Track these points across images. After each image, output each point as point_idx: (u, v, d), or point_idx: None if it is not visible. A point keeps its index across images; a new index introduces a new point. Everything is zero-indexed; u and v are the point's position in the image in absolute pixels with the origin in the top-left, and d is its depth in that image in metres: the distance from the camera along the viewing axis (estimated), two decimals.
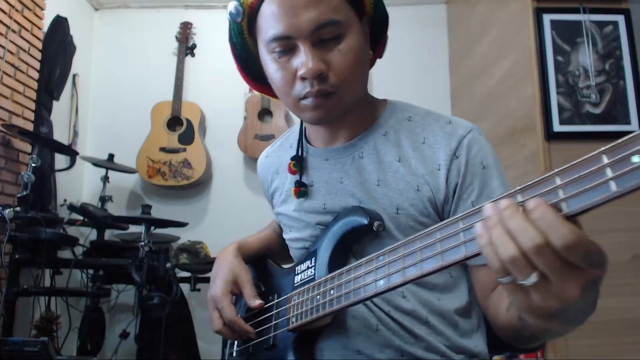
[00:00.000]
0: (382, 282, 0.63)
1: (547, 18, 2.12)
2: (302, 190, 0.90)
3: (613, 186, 0.42)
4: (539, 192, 0.47)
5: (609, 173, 0.42)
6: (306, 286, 0.79)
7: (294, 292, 0.82)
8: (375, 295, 0.64)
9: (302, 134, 0.95)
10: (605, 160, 0.43)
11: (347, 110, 0.83)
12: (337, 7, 0.76)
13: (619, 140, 0.42)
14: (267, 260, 1.00)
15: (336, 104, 0.79)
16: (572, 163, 0.45)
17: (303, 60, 0.76)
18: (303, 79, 0.77)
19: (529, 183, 0.48)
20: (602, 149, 0.43)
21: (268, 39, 0.78)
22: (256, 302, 0.87)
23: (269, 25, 0.77)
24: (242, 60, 0.90)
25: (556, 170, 0.46)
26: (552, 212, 0.44)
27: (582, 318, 0.56)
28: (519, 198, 0.48)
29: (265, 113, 3.16)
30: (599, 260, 0.45)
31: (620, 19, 2.12)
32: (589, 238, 0.44)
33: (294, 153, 0.94)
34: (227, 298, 0.88)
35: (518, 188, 0.49)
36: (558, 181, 0.46)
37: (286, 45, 0.77)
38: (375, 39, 0.88)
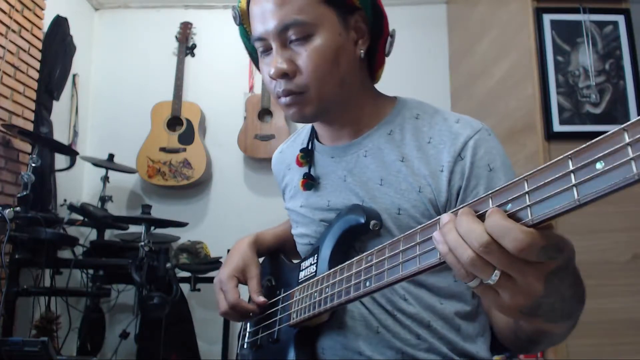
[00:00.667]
0: (369, 282, 0.64)
1: (547, 18, 2.12)
2: (309, 182, 0.91)
3: (575, 194, 0.40)
4: (509, 197, 0.46)
5: (573, 179, 0.40)
6: (307, 282, 0.80)
7: (296, 287, 0.84)
8: (365, 295, 0.65)
9: (312, 129, 0.97)
10: (571, 165, 0.41)
11: (324, 110, 0.83)
12: (304, 7, 0.77)
13: (585, 145, 0.40)
14: (279, 256, 1.02)
15: (307, 103, 0.81)
16: (541, 167, 0.44)
17: (272, 60, 0.80)
18: (273, 78, 0.80)
19: (500, 187, 0.48)
20: (569, 152, 0.41)
21: (252, 40, 0.84)
22: (260, 298, 0.88)
23: (252, 26, 0.83)
24: (255, 59, 0.93)
25: (525, 174, 0.45)
26: (502, 217, 0.45)
27: (568, 312, 0.55)
28: (490, 203, 0.48)
29: (265, 113, 3.16)
30: (556, 252, 0.45)
31: (620, 19, 2.12)
32: (546, 232, 0.44)
33: None
34: (232, 281, 0.90)
35: (489, 192, 0.49)
36: (526, 187, 0.45)
37: (265, 46, 0.82)
38: (376, 35, 0.86)
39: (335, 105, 0.84)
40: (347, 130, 0.89)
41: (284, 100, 0.81)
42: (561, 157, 0.42)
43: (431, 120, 0.85)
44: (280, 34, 0.78)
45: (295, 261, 0.96)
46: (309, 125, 1.00)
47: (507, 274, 0.46)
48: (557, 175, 0.42)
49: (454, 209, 0.52)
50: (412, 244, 0.57)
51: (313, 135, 0.96)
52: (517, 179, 0.46)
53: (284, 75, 0.79)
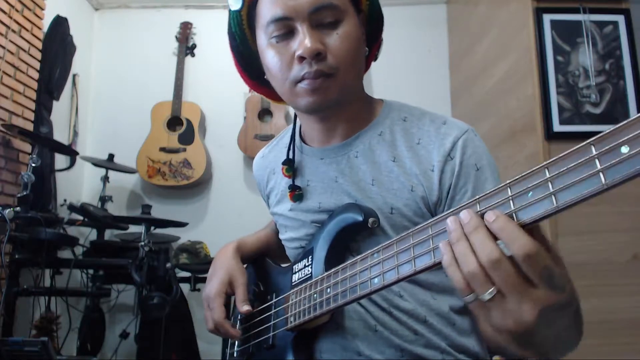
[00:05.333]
0: (376, 280, 0.63)
1: (547, 18, 2.12)
2: (297, 193, 0.90)
3: (602, 178, 0.41)
4: (529, 185, 0.46)
5: (598, 164, 0.41)
6: (303, 285, 0.79)
7: (291, 291, 0.82)
8: (371, 293, 0.64)
9: (294, 135, 0.95)
10: (594, 151, 0.42)
11: (343, 98, 0.82)
12: None
13: (608, 130, 0.41)
14: (265, 260, 1.00)
15: (334, 87, 0.79)
16: (561, 155, 0.45)
17: (302, 40, 0.76)
18: (301, 59, 0.77)
19: (519, 176, 0.48)
20: (591, 139, 0.42)
21: (267, 22, 0.79)
22: (244, 307, 0.87)
23: (268, 9, 0.79)
24: (239, 53, 0.90)
25: (546, 162, 0.46)
26: (510, 223, 0.45)
27: (562, 349, 0.55)
28: (509, 192, 0.48)
29: (265, 113, 3.16)
30: (559, 282, 0.45)
31: (620, 19, 2.12)
32: (552, 256, 0.45)
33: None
34: (219, 299, 0.88)
35: (509, 181, 0.49)
36: (547, 174, 0.45)
37: (285, 27, 0.78)
38: (371, 41, 0.89)
39: (351, 95, 0.84)
40: (339, 130, 0.89)
41: (312, 83, 0.78)
42: (583, 143, 0.43)
43: (419, 122, 0.86)
44: (312, 15, 0.77)
45: (283, 265, 0.95)
46: (290, 130, 0.98)
47: (502, 294, 0.46)
48: (580, 161, 0.43)
49: (453, 209, 0.51)
50: (425, 237, 0.57)
51: (294, 140, 0.94)
52: (536, 167, 0.46)
53: (316, 55, 0.76)
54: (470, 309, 0.51)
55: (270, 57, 0.81)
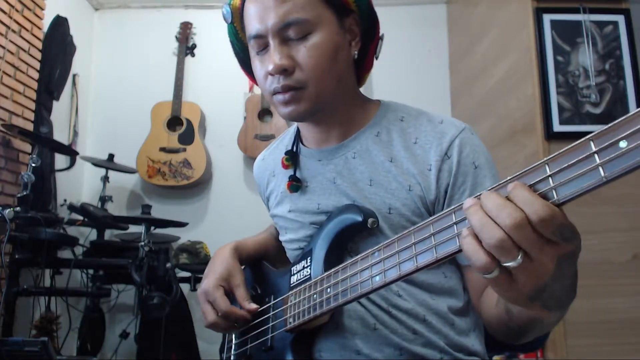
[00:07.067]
0: (377, 278, 0.63)
1: (547, 18, 2.13)
2: (295, 184, 0.91)
3: (601, 172, 0.42)
4: (531, 182, 0.48)
5: (597, 159, 0.42)
6: (302, 286, 0.79)
7: (290, 292, 0.82)
8: (372, 291, 0.65)
9: (297, 133, 0.97)
10: (593, 147, 0.43)
11: (320, 108, 0.83)
12: (306, 5, 0.79)
13: (606, 126, 0.42)
14: (262, 263, 1.00)
15: (304, 99, 0.81)
16: (561, 150, 0.46)
17: (271, 55, 0.79)
18: (271, 74, 0.80)
19: (519, 173, 0.49)
20: (590, 135, 0.43)
21: (248, 38, 0.83)
22: (251, 305, 0.87)
23: (248, 24, 0.83)
24: (241, 59, 0.94)
25: (545, 158, 0.47)
26: (526, 190, 0.46)
27: (562, 302, 0.56)
28: (510, 188, 0.49)
29: (265, 113, 3.16)
30: (571, 235, 0.47)
31: (620, 19, 2.12)
32: (562, 214, 0.46)
33: None
34: (219, 290, 0.87)
35: (509, 178, 0.50)
36: (547, 170, 0.46)
37: (261, 43, 0.81)
38: (368, 39, 0.88)
39: (330, 104, 0.85)
40: (335, 132, 0.90)
41: (281, 97, 0.81)
42: (582, 139, 0.44)
43: (416, 122, 0.86)
44: (280, 31, 0.79)
45: (280, 268, 0.94)
46: (291, 130, 1.00)
47: (528, 256, 0.47)
48: (580, 157, 0.44)
49: (475, 195, 0.51)
50: (426, 235, 0.57)
51: (297, 138, 0.96)
52: (537, 163, 0.48)
53: (283, 71, 0.79)
54: (490, 285, 0.52)
55: (255, 67, 0.85)
